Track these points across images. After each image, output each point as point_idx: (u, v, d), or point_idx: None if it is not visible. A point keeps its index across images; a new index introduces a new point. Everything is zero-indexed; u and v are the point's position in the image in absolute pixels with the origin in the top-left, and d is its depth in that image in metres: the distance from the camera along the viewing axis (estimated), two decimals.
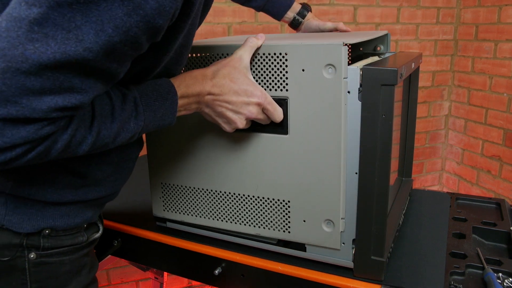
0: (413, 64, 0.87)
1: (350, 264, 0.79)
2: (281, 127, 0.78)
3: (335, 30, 1.13)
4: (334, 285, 0.79)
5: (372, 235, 0.75)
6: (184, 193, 0.91)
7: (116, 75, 0.56)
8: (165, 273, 1.53)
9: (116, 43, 0.50)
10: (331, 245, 0.79)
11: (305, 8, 1.14)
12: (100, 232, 0.81)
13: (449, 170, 2.49)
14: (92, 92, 0.54)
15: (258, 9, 1.15)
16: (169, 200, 0.93)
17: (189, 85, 0.71)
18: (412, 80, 1.08)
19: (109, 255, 1.04)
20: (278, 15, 1.14)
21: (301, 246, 0.84)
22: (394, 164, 1.02)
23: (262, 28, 1.91)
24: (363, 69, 0.69)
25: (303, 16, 1.13)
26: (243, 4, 1.16)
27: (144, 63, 0.64)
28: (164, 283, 1.54)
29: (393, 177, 1.01)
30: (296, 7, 1.14)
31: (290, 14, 1.14)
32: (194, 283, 2.09)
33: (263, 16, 1.92)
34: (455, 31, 2.32)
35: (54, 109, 0.51)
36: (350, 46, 0.97)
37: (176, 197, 0.92)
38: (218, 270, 0.88)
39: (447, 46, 2.33)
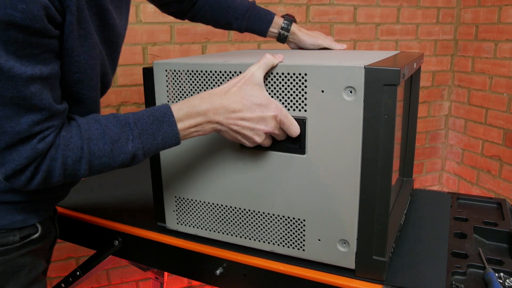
0: (415, 64, 0.87)
1: (352, 265, 0.79)
2: (298, 147, 0.78)
3: (327, 48, 1.15)
4: (335, 285, 0.79)
5: (373, 235, 0.75)
6: (199, 208, 0.91)
7: (51, 74, 0.64)
8: (166, 273, 1.53)
9: (16, 50, 0.58)
10: (346, 264, 0.80)
11: (289, 20, 1.13)
12: (38, 233, 0.80)
13: (449, 170, 2.49)
14: (49, 97, 0.63)
15: (241, 30, 1.14)
16: (183, 213, 0.94)
17: (194, 105, 0.72)
18: (413, 80, 1.08)
19: (110, 255, 1.04)
20: (262, 33, 1.14)
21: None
22: (395, 164, 1.03)
23: None
24: (366, 69, 0.69)
25: (288, 30, 1.12)
26: (225, 29, 1.16)
27: (72, 63, 0.69)
28: (165, 283, 1.54)
29: (394, 177, 1.01)
30: (278, 21, 1.12)
31: (274, 30, 1.13)
32: (194, 283, 2.09)
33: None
34: (455, 31, 2.32)
35: (33, 124, 0.62)
36: None
37: (190, 211, 0.92)
38: (219, 270, 0.88)
39: (447, 46, 2.33)
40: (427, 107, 2.38)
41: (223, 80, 0.81)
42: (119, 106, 1.82)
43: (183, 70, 0.84)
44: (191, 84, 0.84)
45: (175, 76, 0.86)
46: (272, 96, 0.78)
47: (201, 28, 1.84)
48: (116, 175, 1.35)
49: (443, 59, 2.35)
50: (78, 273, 1.05)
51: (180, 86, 0.86)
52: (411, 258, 0.85)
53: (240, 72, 0.79)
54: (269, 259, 0.85)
